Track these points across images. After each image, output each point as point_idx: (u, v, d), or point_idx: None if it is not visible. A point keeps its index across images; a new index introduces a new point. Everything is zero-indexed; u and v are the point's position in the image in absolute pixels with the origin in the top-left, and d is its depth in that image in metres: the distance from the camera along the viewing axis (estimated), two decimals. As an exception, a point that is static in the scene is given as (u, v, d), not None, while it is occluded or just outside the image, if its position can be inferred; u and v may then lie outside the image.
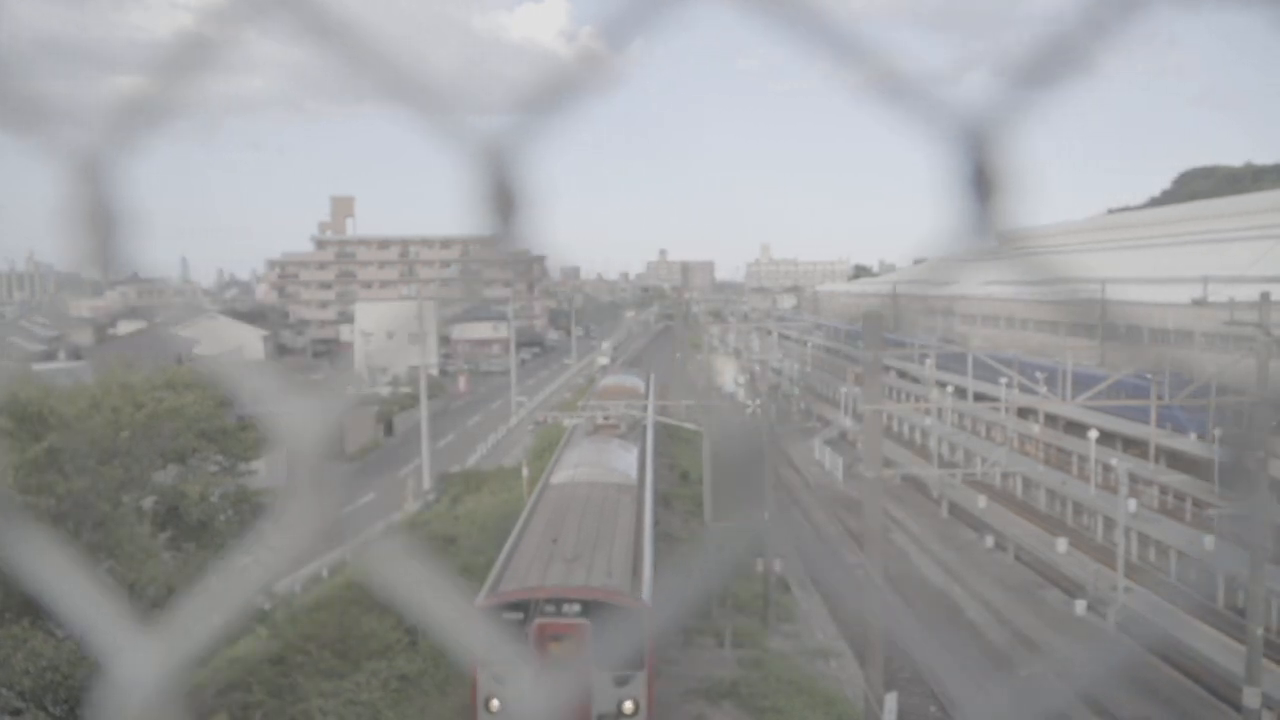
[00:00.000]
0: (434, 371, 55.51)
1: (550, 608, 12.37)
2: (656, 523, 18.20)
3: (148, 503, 14.87)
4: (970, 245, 1.00)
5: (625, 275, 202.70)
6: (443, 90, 1.01)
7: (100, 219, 1.15)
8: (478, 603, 12.61)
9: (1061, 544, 25.73)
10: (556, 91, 1.05)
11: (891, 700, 15.36)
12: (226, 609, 1.06)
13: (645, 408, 29.03)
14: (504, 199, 1.01)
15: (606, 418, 23.71)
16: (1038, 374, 32.52)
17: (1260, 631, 15.93)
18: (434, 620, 1.23)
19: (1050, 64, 0.92)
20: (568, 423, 27.62)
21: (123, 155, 1.13)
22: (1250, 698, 15.65)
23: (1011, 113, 0.96)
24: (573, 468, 19.49)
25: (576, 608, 12.35)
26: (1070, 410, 29.87)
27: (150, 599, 12.62)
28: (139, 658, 1.07)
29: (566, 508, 16.42)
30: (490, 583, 13.52)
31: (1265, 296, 16.64)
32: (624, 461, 20.40)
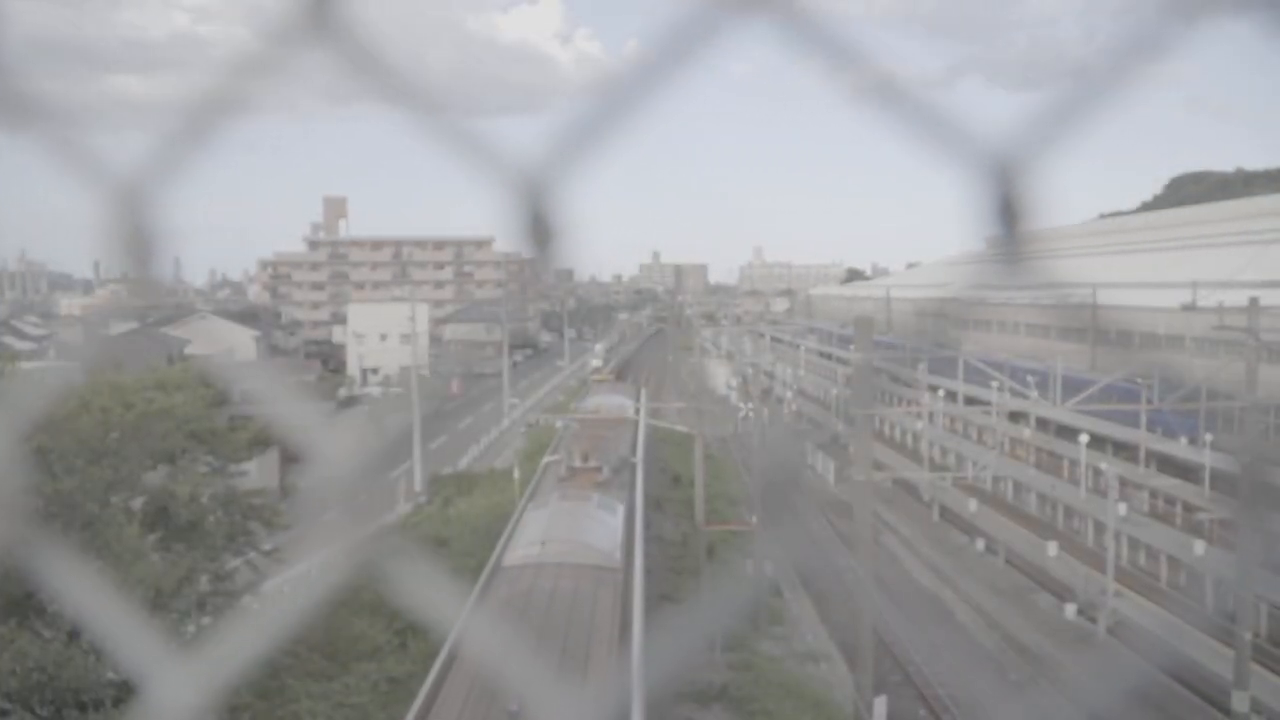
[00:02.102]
0: (426, 373, 55.43)
1: None
2: (650, 630, 11.71)
3: (137, 503, 14.81)
4: (994, 272, 1.01)
5: (618, 277, 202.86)
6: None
7: (139, 244, 1.15)
8: None
9: (1052, 548, 25.80)
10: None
11: (881, 704, 15.39)
12: (268, 631, 1.06)
13: (635, 436, 24.48)
14: (539, 228, 1.01)
15: (586, 459, 18.61)
16: (1029, 378, 32.62)
17: (1249, 636, 16.00)
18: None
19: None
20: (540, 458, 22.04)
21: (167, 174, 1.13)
22: (1239, 702, 15.71)
23: (1041, 142, 0.96)
24: (534, 542, 13.84)
25: None
26: (1061, 414, 29.97)
27: (138, 600, 12.56)
28: (175, 680, 1.08)
29: (521, 609, 11.43)
30: None
31: (1254, 302, 16.73)
32: (605, 529, 14.73)
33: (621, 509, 15.90)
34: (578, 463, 18.67)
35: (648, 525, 17.58)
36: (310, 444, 1.23)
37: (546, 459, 20.68)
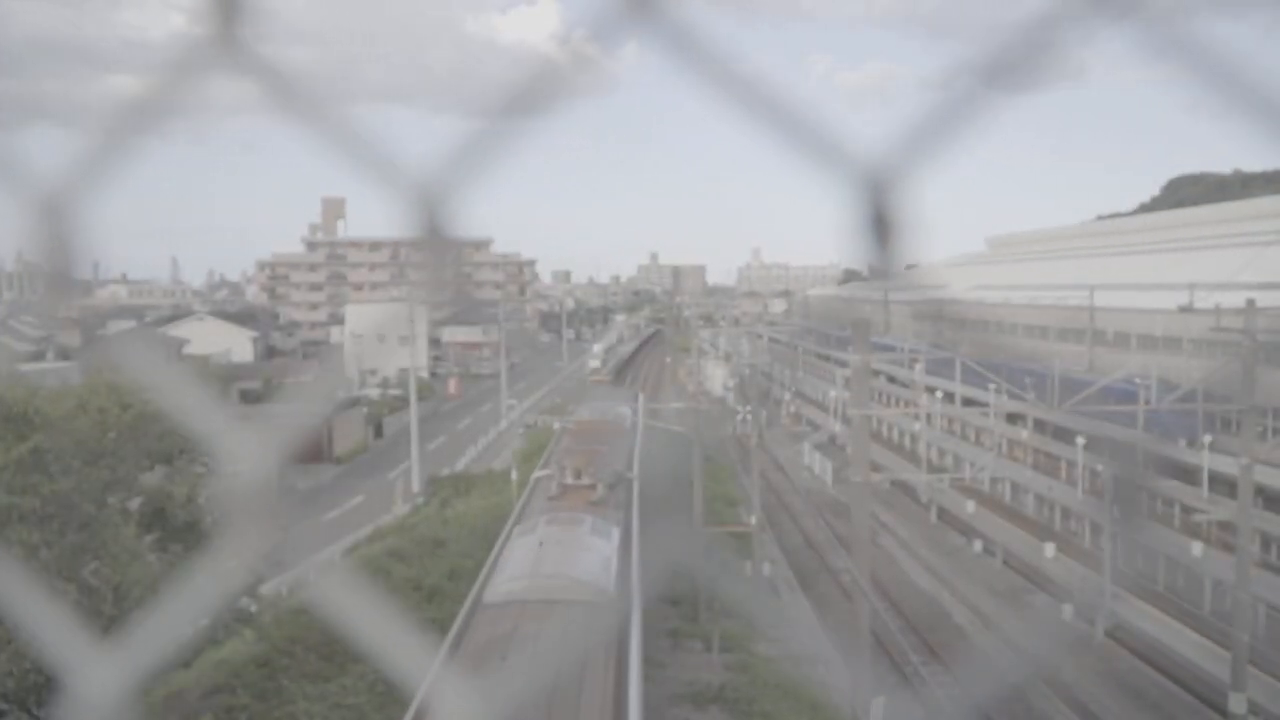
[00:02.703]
0: (424, 374, 55.42)
1: None
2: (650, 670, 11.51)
3: (134, 504, 14.80)
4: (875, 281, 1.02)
5: (616, 279, 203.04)
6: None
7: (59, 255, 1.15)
8: None
9: (1049, 549, 25.83)
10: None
11: (878, 705, 15.39)
12: (183, 621, 1.06)
13: (632, 447, 22.62)
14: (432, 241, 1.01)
15: (578, 475, 16.92)
16: (1026, 379, 32.65)
17: (1246, 638, 16.03)
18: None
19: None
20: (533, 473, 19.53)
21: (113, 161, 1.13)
22: (1236, 703, 15.74)
23: (908, 160, 0.97)
24: (519, 575, 12.31)
25: None
26: (1058, 416, 30.00)
27: (135, 601, 12.56)
28: (98, 672, 1.08)
29: (503, 649, 10.28)
30: None
31: (1251, 303, 16.75)
32: (598, 557, 13.24)
33: (617, 533, 14.37)
34: (569, 479, 16.83)
35: (645, 546, 15.13)
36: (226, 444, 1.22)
37: (537, 473, 18.63)
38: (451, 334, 75.46)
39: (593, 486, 16.56)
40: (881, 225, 0.92)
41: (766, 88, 0.94)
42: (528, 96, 1.07)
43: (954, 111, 0.96)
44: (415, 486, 32.23)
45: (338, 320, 76.62)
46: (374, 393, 52.54)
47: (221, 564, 1.05)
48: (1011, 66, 0.92)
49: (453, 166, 1.04)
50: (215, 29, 1.03)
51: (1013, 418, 34.64)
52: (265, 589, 17.19)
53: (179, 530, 14.93)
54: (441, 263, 1.00)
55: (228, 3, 1.02)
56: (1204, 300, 26.72)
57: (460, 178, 1.05)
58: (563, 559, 12.70)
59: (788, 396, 55.59)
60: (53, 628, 1.10)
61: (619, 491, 17.14)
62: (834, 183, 0.95)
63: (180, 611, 1.16)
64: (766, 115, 0.94)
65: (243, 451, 1.05)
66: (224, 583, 1.12)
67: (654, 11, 0.91)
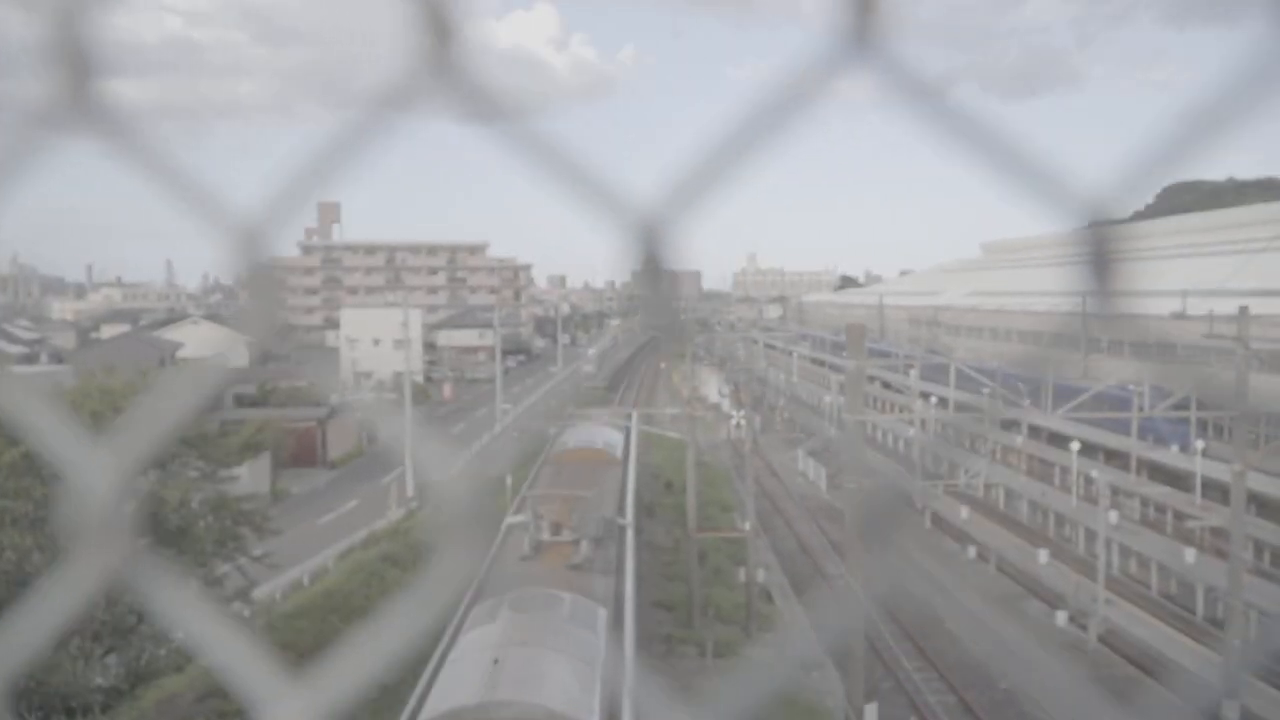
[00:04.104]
0: (419, 378, 55.38)
1: None
2: None
3: (126, 508, 14.75)
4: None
5: (612, 284, 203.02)
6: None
7: None
8: None
9: (1043, 555, 25.85)
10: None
11: (872, 711, 15.39)
12: (380, 657, 1.06)
13: (624, 485, 19.28)
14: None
15: (557, 530, 13.66)
16: (1020, 385, 32.72)
17: (1238, 644, 16.05)
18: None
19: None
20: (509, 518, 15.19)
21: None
22: (1229, 710, 15.75)
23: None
24: (472, 688, 9.32)
25: None
26: (1052, 422, 30.06)
27: (127, 606, 12.52)
28: (288, 709, 1.08)
29: None
30: None
31: (1244, 310, 16.81)
32: (575, 667, 9.91)
33: (603, 617, 11.16)
34: (545, 535, 13.62)
35: (641, 626, 12.83)
36: None
37: (509, 518, 14.89)
38: (447, 338, 75.41)
39: (575, 543, 13.35)
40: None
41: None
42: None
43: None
44: (409, 491, 32.16)
45: (333, 324, 76.52)
46: (369, 397, 52.47)
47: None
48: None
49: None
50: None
51: (1007, 423, 34.70)
52: (258, 593, 17.16)
53: (172, 534, 14.89)
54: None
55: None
56: (1197, 306, 26.82)
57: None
58: (527, 676, 9.40)
59: (782, 402, 55.63)
60: (243, 666, 1.11)
61: (608, 547, 13.87)
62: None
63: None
64: None
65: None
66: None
67: (865, 38, 0.91)
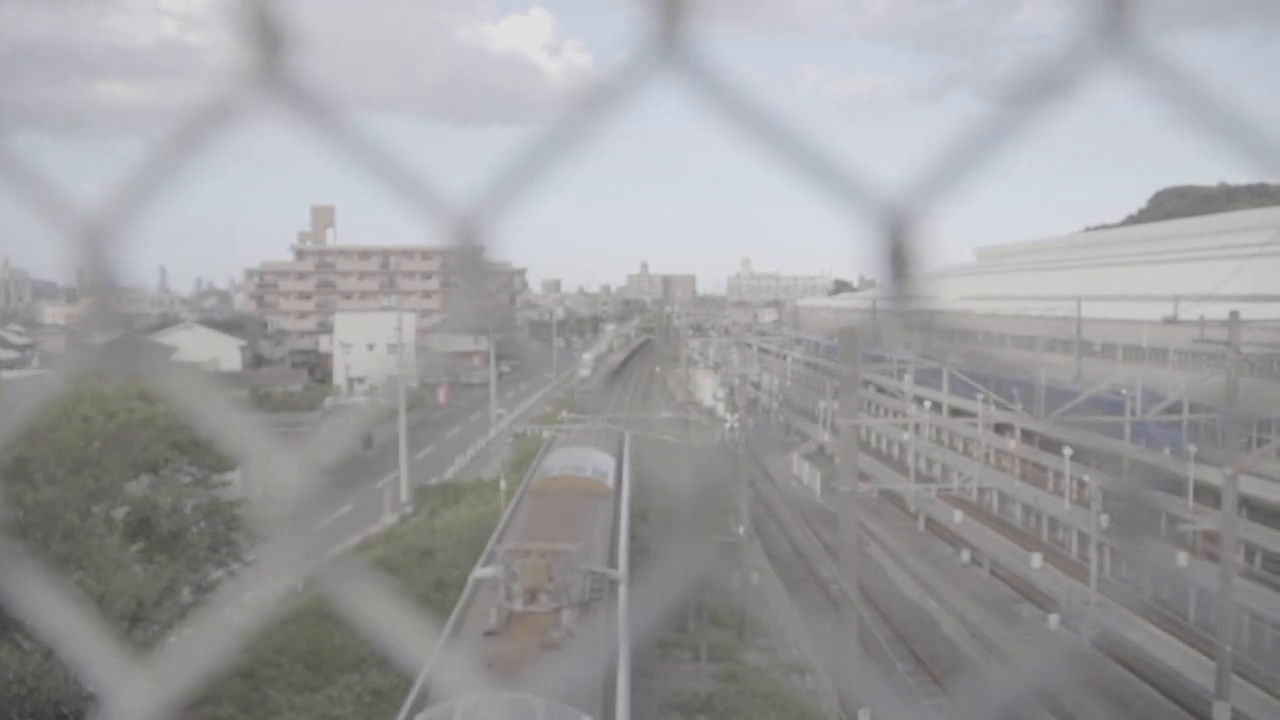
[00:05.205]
0: (413, 383, 55.27)
1: None
2: None
3: (119, 514, 14.72)
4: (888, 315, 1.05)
5: (607, 288, 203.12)
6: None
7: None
8: None
9: (1036, 559, 25.90)
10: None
11: (865, 715, 15.41)
12: (223, 638, 1.08)
13: (616, 524, 15.90)
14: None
15: (532, 596, 10.75)
16: (1014, 389, 32.78)
17: (1229, 647, 16.10)
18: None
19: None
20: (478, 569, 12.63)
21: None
22: (1220, 713, 15.80)
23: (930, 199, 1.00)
24: None
25: None
26: (1045, 426, 30.13)
27: (119, 611, 12.49)
28: (135, 691, 1.10)
29: None
30: None
31: (1234, 315, 16.88)
32: None
33: None
34: (518, 604, 10.56)
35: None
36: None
37: (477, 572, 12.27)
38: (441, 342, 75.30)
39: (556, 613, 10.43)
40: (899, 258, 0.96)
41: (778, 118, 0.97)
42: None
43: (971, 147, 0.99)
44: (403, 496, 32.12)
45: (326, 329, 76.38)
46: (362, 401, 52.41)
47: (265, 580, 1.06)
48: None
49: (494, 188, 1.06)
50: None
51: (1000, 428, 34.77)
52: (251, 599, 17.11)
53: (164, 540, 14.86)
54: (474, 276, 1.02)
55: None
56: (1188, 312, 26.92)
57: (497, 198, 1.06)
58: None
59: (777, 406, 55.68)
60: (90, 650, 1.13)
61: (596, 614, 10.89)
62: (853, 216, 0.99)
63: (216, 633, 1.19)
64: (779, 144, 0.97)
65: (283, 468, 1.07)
66: (210, 593, 1.12)
67: (675, 44, 0.93)
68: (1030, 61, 0.99)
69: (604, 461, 20.72)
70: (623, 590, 11.59)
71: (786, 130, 0.98)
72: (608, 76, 0.96)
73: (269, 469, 1.10)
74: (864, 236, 0.99)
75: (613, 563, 13.02)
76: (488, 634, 10.04)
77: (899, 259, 0.96)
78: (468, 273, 0.98)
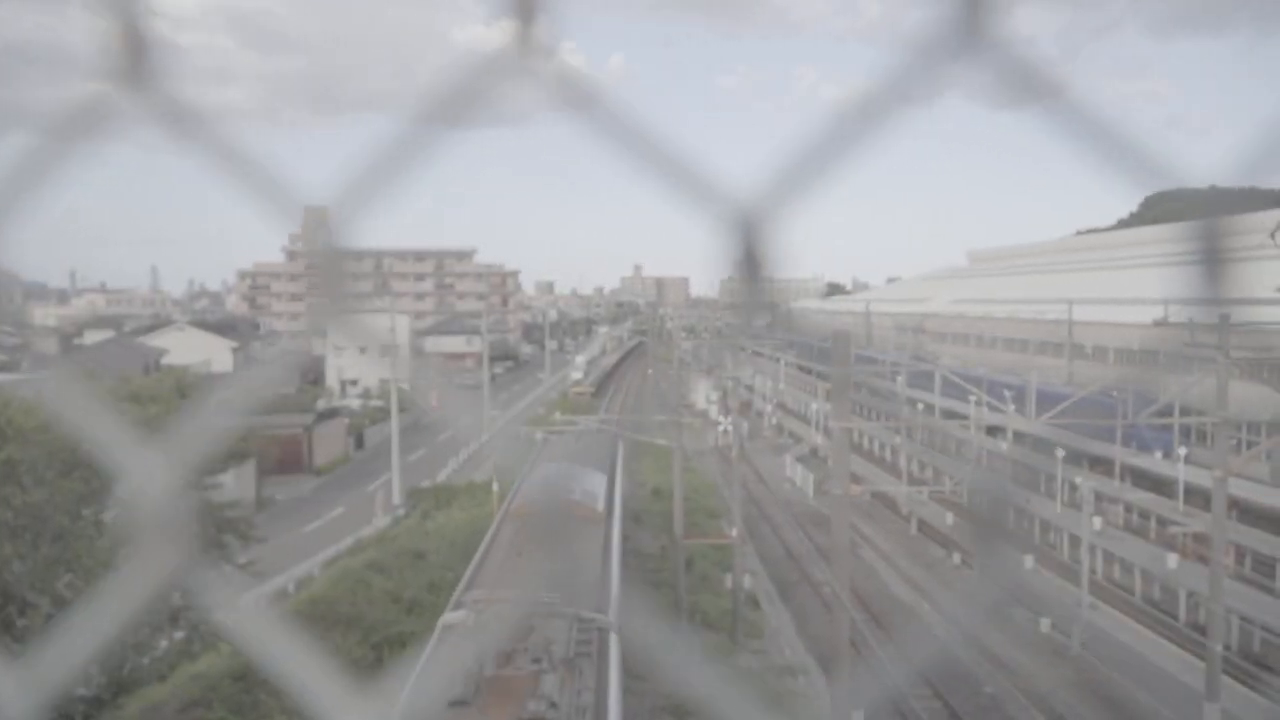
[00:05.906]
0: (405, 385, 55.12)
1: None
2: None
3: (109, 516, 14.66)
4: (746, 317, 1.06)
5: (600, 290, 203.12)
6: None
7: None
8: None
9: (1027, 561, 25.95)
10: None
11: (859, 718, 15.40)
12: (98, 633, 1.07)
13: (608, 555, 14.42)
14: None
15: (507, 659, 8.73)
16: (1005, 392, 32.88)
17: (1220, 649, 16.16)
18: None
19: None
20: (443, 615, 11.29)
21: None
22: (1210, 714, 15.85)
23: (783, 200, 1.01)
24: None
25: None
26: (1036, 428, 30.21)
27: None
28: (6, 686, 1.10)
29: None
30: None
31: (1224, 319, 16.95)
32: None
33: None
34: (489, 668, 8.58)
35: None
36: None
37: (446, 616, 10.94)
38: (435, 344, 75.23)
39: (534, 677, 8.65)
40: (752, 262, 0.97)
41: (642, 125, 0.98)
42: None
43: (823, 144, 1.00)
44: (396, 498, 32.06)
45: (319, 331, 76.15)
46: (355, 403, 52.32)
47: (132, 586, 1.05)
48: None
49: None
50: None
51: (992, 430, 34.84)
52: (245, 601, 17.04)
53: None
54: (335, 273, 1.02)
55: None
56: (1178, 314, 27.02)
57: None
58: None
59: (770, 408, 55.72)
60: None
61: (584, 675, 9.08)
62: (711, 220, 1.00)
63: (89, 632, 1.17)
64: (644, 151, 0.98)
65: (149, 469, 1.06)
66: (129, 605, 1.11)
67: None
68: (883, 66, 0.99)
69: (593, 480, 18.79)
70: (614, 641, 9.94)
71: (638, 132, 0.98)
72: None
73: (137, 468, 1.09)
74: (719, 239, 1.01)
75: (602, 604, 11.16)
76: (453, 704, 7.85)
77: (751, 261, 0.97)
78: (328, 274, 0.99)
